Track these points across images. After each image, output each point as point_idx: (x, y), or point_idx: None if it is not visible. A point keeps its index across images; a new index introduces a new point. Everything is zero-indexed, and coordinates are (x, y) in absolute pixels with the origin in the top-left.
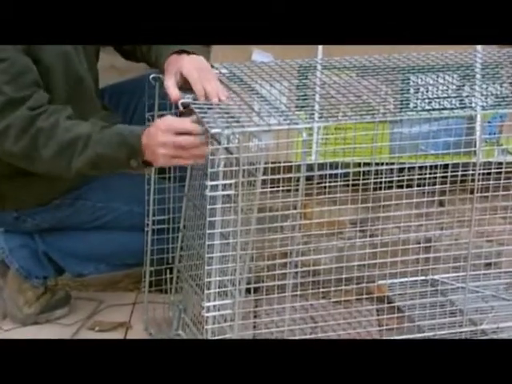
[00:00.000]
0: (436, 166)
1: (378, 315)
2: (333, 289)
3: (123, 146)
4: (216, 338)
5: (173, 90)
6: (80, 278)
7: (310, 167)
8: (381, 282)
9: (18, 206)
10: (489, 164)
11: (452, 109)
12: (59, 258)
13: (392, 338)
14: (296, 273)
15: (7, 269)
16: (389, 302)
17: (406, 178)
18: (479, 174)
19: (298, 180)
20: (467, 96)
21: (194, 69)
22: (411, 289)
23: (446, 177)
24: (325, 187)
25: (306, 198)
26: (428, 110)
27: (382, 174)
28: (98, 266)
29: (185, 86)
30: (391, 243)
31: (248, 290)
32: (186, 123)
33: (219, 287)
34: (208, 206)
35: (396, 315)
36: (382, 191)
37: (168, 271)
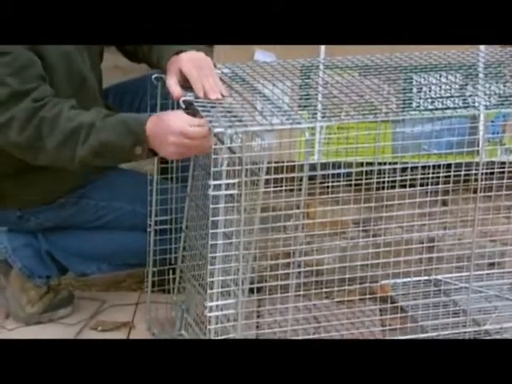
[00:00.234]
0: (439, 166)
1: (381, 315)
2: (336, 289)
3: (127, 133)
4: (219, 337)
5: (175, 89)
6: (83, 278)
7: (312, 167)
8: (384, 281)
9: (21, 204)
10: (492, 163)
11: (455, 108)
12: (62, 257)
13: (395, 338)
14: (299, 273)
15: (10, 268)
16: (392, 302)
17: (408, 177)
18: (482, 173)
19: (300, 179)
20: (470, 95)
21: (194, 67)
22: (414, 289)
23: (449, 176)
24: (327, 187)
25: (309, 197)
26: (431, 110)
27: (384, 173)
28: (101, 266)
29: (186, 84)
30: (394, 243)
31: (251, 290)
32: (193, 126)
33: (222, 287)
34: (211, 206)
35: (399, 315)
36: (385, 191)
37: (171, 271)
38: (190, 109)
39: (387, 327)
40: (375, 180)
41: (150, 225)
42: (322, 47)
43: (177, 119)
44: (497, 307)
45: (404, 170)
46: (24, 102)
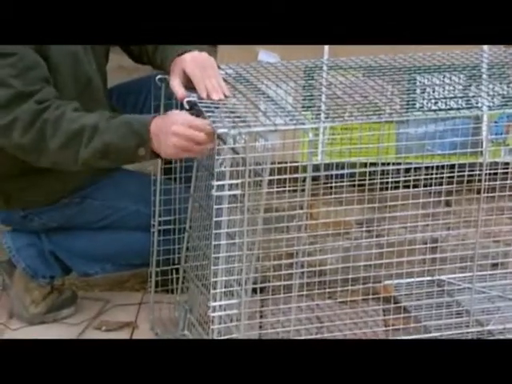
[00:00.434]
0: (442, 166)
1: (385, 315)
2: (339, 289)
3: (131, 135)
4: (222, 338)
5: (178, 89)
6: (86, 278)
7: (316, 167)
8: (387, 282)
9: (25, 205)
10: (495, 164)
11: (458, 109)
12: (66, 257)
13: (398, 338)
14: (302, 273)
15: (14, 268)
16: (395, 303)
17: (412, 178)
18: (486, 174)
19: (304, 180)
20: (474, 96)
21: (197, 67)
22: (417, 289)
23: (453, 177)
24: (331, 187)
25: (312, 198)
26: (434, 110)
27: (388, 174)
28: (104, 266)
29: (189, 85)
30: (397, 243)
31: (254, 290)
32: (200, 120)
33: (225, 287)
34: (214, 206)
35: (402, 315)
36: (389, 191)
37: (174, 271)
38: (194, 109)
39: (390, 327)
40: (379, 180)
41: (154, 225)
42: (326, 48)
43: (181, 113)
44: (500, 308)
45: (407, 170)
46: (28, 103)
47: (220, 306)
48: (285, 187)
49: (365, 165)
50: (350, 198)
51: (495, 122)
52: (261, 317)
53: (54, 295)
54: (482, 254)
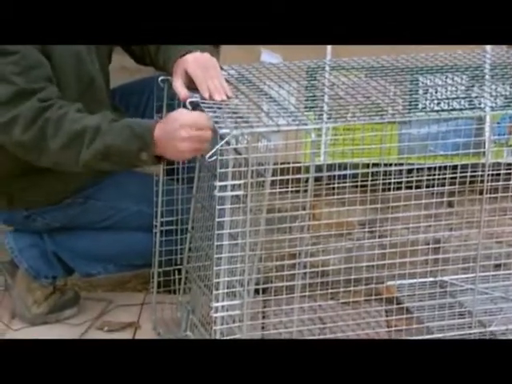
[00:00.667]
0: (445, 167)
1: (387, 316)
2: (341, 290)
3: (133, 138)
4: (224, 338)
5: (181, 90)
6: (89, 278)
7: (318, 168)
8: (390, 282)
9: (28, 204)
10: (498, 165)
11: (461, 109)
12: (68, 257)
13: (400, 338)
14: (305, 273)
15: (16, 268)
16: (398, 303)
17: (414, 178)
18: (488, 174)
19: (306, 181)
20: (476, 97)
21: (199, 68)
22: (420, 290)
23: (455, 178)
24: (333, 188)
25: (315, 198)
26: (437, 111)
27: (390, 174)
28: (107, 267)
29: (192, 85)
30: (400, 244)
31: (256, 291)
32: (202, 117)
33: (228, 288)
34: (217, 207)
35: (405, 316)
36: (391, 192)
37: (176, 272)
38: (197, 110)
39: (393, 328)
40: (381, 181)
41: (156, 226)
42: (329, 48)
43: (184, 114)
44: (502, 309)
45: (410, 171)
46: (30, 101)
47: (222, 306)
48: (287, 188)
49: (367, 165)
50: (352, 199)
51: (498, 123)
52: (263, 317)
53: (56, 296)
54: (485, 254)
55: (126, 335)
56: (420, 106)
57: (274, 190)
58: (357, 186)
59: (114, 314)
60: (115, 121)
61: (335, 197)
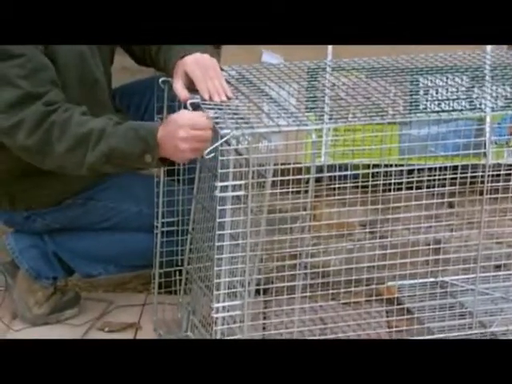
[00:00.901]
0: (445, 168)
1: (388, 317)
2: (342, 290)
3: (137, 140)
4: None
5: (181, 91)
6: (89, 279)
7: (319, 169)
8: (390, 283)
9: (28, 206)
10: (498, 166)
11: (461, 110)
12: (69, 258)
13: (401, 339)
14: (305, 274)
15: (17, 269)
16: (398, 304)
17: (415, 179)
18: (489, 175)
19: (307, 181)
20: (477, 97)
21: (198, 69)
22: (421, 290)
23: (456, 178)
24: (334, 189)
25: (316, 199)
26: (437, 112)
27: (391, 175)
28: (107, 267)
29: (192, 86)
30: (401, 245)
31: (257, 291)
32: (201, 118)
33: (228, 288)
34: (217, 207)
35: (405, 317)
36: (392, 193)
37: (177, 273)
38: (198, 111)
39: (393, 329)
40: (382, 182)
41: (157, 226)
42: (329, 49)
43: (184, 114)
44: (503, 309)
45: (410, 171)
46: (35, 104)
47: (223, 307)
48: (288, 188)
49: (368, 166)
50: (353, 200)
51: (498, 124)
52: (264, 318)
53: (57, 296)
54: (485, 255)
55: (126, 336)
56: (420, 106)
57: (274, 191)
58: (357, 187)
59: (115, 314)
60: (119, 124)
61: (336, 197)
